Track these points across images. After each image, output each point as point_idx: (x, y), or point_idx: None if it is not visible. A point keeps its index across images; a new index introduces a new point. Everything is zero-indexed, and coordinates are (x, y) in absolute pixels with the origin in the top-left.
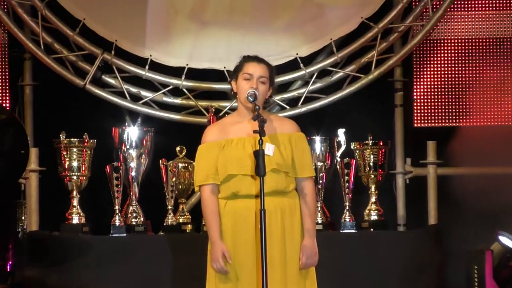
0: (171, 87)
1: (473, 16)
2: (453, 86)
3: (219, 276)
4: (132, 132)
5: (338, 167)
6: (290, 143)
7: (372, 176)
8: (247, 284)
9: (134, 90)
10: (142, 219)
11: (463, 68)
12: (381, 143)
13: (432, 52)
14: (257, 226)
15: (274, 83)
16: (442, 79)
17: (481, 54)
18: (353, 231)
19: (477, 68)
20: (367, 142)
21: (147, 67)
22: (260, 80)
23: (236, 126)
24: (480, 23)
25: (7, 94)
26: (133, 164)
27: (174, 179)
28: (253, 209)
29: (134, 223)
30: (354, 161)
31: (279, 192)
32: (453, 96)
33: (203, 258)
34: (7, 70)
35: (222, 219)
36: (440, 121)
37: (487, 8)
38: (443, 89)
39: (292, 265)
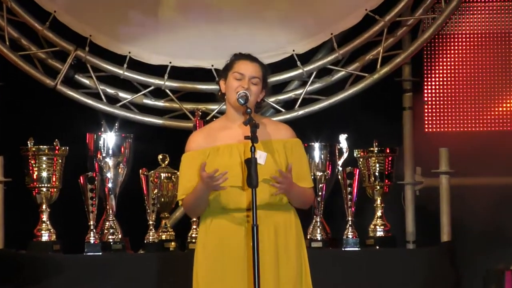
0: (152, 87)
1: (490, 7)
2: (469, 86)
3: None
4: (108, 139)
5: (339, 177)
6: (285, 150)
7: (378, 187)
8: None
9: (111, 91)
10: (120, 235)
11: (480, 66)
12: (388, 150)
13: (445, 48)
14: (248, 243)
15: (268, 85)
16: (456, 79)
17: (500, 50)
18: (357, 248)
19: (496, 65)
20: (372, 149)
21: (125, 65)
22: (252, 81)
23: (224, 132)
24: (499, 15)
25: None
26: (109, 174)
27: (156, 191)
28: (243, 224)
29: (111, 240)
30: (358, 170)
31: (272, 205)
32: (469, 98)
33: (188, 279)
34: None
35: (208, 237)
36: (454, 125)
37: None
38: (457, 90)
39: (286, 286)
